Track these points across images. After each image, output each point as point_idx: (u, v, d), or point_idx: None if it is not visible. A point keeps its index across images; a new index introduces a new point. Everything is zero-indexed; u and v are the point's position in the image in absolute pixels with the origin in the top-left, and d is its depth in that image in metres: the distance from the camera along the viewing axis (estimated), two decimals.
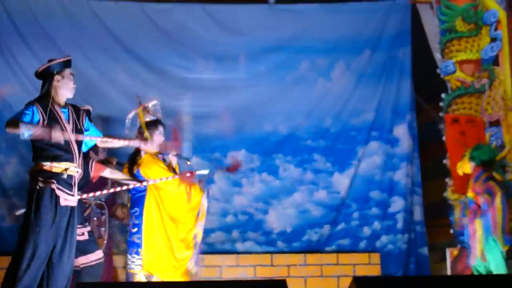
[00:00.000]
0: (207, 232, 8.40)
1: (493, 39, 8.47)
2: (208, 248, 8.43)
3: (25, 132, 5.13)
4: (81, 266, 6.06)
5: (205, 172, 6.63)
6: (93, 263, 6.12)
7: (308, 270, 8.50)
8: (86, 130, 5.56)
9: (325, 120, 9.01)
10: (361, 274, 8.44)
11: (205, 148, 8.63)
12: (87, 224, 6.33)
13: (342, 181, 8.94)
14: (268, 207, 8.78)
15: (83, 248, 6.03)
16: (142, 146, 6.24)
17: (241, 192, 8.51)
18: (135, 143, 6.05)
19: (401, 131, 9.08)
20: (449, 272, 8.10)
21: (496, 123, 8.35)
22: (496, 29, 8.47)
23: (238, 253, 8.52)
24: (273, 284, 4.72)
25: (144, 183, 6.27)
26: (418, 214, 9.04)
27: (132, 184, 6.26)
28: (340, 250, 8.76)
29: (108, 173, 6.33)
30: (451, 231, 8.14)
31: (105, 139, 5.73)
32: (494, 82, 8.36)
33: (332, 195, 8.90)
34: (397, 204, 8.94)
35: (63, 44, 8.48)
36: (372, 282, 4.90)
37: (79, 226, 5.79)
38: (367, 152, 9.00)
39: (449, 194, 8.20)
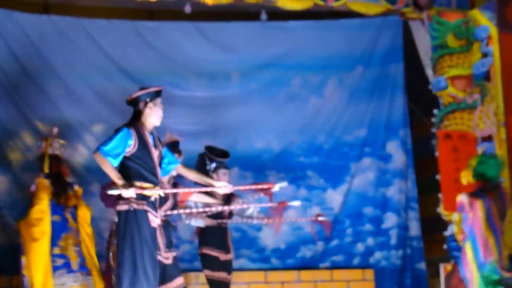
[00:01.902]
0: None
1: (484, 55, 8.50)
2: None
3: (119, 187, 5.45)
4: None
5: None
6: None
7: (302, 287, 8.49)
8: (164, 158, 5.82)
9: (318, 136, 9.03)
10: None
11: None
12: (172, 249, 6.34)
13: (335, 198, 8.95)
14: (262, 224, 8.76)
15: (165, 276, 6.06)
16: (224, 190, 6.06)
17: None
18: (218, 184, 6.00)
19: (394, 147, 9.10)
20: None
21: (488, 139, 8.35)
22: (487, 44, 8.50)
23: (233, 270, 8.48)
24: None
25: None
26: (414, 229, 9.03)
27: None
28: (334, 267, 8.75)
29: (195, 197, 6.73)
30: (445, 246, 8.13)
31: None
32: (485, 97, 8.38)
33: (326, 212, 8.81)
34: (390, 220, 8.94)
35: (57, 64, 8.51)
36: None
37: (166, 250, 6.05)
38: (360, 168, 9.01)
39: (441, 210, 8.20)
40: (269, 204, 6.35)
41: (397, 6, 8.71)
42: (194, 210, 6.72)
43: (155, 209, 5.60)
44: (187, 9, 8.06)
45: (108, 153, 5.48)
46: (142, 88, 5.83)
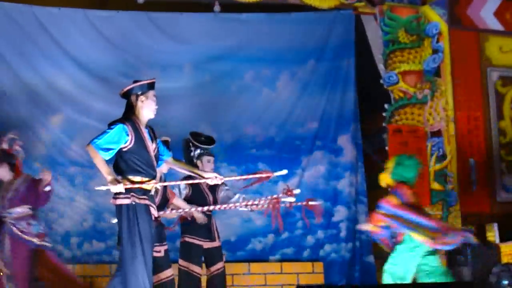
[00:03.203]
0: None
1: (435, 51, 8.62)
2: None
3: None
4: (154, 284, 6.16)
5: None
6: (162, 281, 6.48)
7: (252, 279, 8.49)
8: (159, 151, 5.77)
9: (269, 129, 9.03)
10: (305, 282, 8.46)
11: None
12: (165, 242, 6.62)
13: None
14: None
15: (156, 268, 6.10)
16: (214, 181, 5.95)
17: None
18: (208, 175, 5.91)
19: (345, 141, 9.14)
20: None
21: (437, 134, 8.48)
22: (438, 41, 8.62)
23: None
24: None
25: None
26: (363, 222, 9.07)
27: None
28: (284, 259, 8.77)
29: (178, 202, 6.83)
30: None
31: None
32: (435, 93, 8.50)
33: None
34: (340, 213, 9.00)
35: (6, 51, 8.37)
36: None
37: (157, 244, 6.19)
38: (311, 161, 9.04)
39: None
40: (262, 202, 6.41)
41: (350, 1, 8.77)
42: (181, 211, 6.76)
43: (154, 202, 5.61)
44: None
45: (100, 147, 5.43)
46: (135, 81, 5.71)
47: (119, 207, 5.45)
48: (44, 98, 8.52)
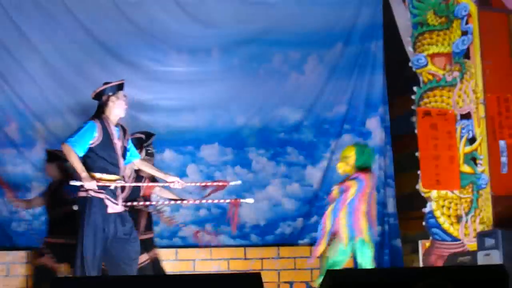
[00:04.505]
0: None
1: (464, 33, 8.53)
2: (182, 242, 8.43)
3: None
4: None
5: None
6: (138, 266, 6.61)
7: (281, 263, 8.51)
8: (128, 150, 6.22)
9: (298, 113, 9.01)
10: None
11: (178, 142, 8.60)
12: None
13: (315, 174, 8.95)
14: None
15: None
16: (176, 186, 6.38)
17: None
18: (170, 179, 6.30)
19: (374, 124, 9.11)
20: (421, 264, 8.15)
21: (467, 116, 8.41)
22: (467, 22, 8.52)
23: (211, 246, 8.48)
24: (247, 277, 4.70)
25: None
26: (391, 206, 9.08)
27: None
28: (313, 243, 8.72)
29: (158, 190, 6.99)
30: (423, 223, 8.20)
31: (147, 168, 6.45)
32: (465, 75, 8.42)
33: (305, 188, 8.91)
34: None
35: (34, 37, 8.41)
36: (345, 274, 4.91)
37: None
38: (340, 144, 8.99)
39: (420, 187, 8.25)
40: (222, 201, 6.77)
41: None
42: (153, 202, 6.98)
43: (115, 196, 5.99)
44: None
45: (74, 144, 5.90)
46: (105, 83, 6.15)
47: (78, 199, 5.96)
48: (72, 83, 8.55)
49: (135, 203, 6.68)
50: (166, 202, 6.99)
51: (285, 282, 8.47)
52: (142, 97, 8.55)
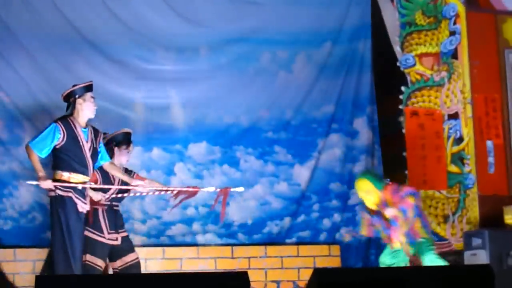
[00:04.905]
0: (167, 224, 8.40)
1: (452, 33, 8.57)
2: (169, 241, 8.41)
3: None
4: (119, 268, 6.82)
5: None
6: (128, 264, 6.83)
7: (268, 262, 8.51)
8: (99, 152, 6.41)
9: (286, 112, 9.00)
10: (321, 265, 8.48)
11: (165, 140, 8.58)
12: (121, 230, 6.94)
13: (302, 173, 8.94)
14: (229, 199, 8.72)
15: (117, 253, 6.81)
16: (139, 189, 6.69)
17: (202, 184, 8.41)
18: (135, 183, 6.61)
19: (361, 124, 9.13)
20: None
21: (454, 116, 8.45)
22: (455, 23, 8.56)
23: (198, 245, 8.48)
24: (234, 276, 4.70)
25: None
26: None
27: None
28: (300, 242, 8.77)
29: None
30: None
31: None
32: (453, 75, 8.45)
33: (293, 187, 8.90)
34: (356, 196, 8.88)
35: (21, 34, 8.35)
36: (332, 273, 4.92)
37: (111, 231, 6.76)
38: (328, 144, 9.02)
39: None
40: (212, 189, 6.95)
41: None
42: (138, 193, 6.99)
43: (83, 196, 6.19)
44: None
45: (35, 145, 6.16)
46: (73, 85, 6.39)
47: (50, 199, 6.20)
48: (59, 80, 8.50)
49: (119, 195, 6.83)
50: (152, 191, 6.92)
51: (272, 281, 8.47)
52: (129, 95, 8.53)
